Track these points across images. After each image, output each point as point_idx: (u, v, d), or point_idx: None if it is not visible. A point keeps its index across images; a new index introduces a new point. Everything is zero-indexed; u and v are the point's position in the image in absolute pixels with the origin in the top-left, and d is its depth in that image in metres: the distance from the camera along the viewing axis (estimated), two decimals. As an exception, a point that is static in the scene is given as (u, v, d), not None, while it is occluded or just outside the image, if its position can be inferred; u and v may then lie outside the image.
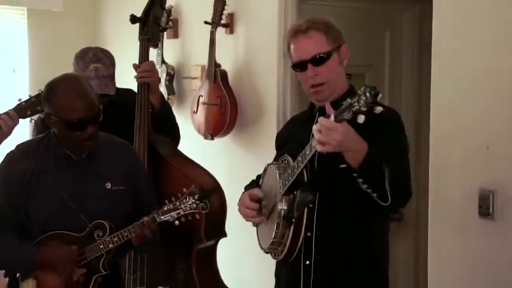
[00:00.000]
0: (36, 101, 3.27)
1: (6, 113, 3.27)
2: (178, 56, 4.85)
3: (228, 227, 3.86)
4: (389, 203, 2.62)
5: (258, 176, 3.15)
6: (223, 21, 4.39)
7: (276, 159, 3.01)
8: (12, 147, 3.18)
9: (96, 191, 3.06)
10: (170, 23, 4.28)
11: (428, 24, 3.67)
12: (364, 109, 2.32)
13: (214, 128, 4.42)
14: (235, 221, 3.83)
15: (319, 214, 2.77)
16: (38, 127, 3.68)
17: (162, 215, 2.96)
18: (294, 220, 2.73)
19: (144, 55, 3.94)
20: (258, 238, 2.98)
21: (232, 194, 3.83)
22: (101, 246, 2.98)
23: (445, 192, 3.51)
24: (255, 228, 3.04)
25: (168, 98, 4.66)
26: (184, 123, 4.37)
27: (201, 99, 4.46)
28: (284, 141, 3.06)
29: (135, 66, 3.89)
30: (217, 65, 4.41)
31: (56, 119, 2.97)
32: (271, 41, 4.27)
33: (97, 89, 3.64)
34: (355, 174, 2.56)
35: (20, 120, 3.34)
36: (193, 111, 4.51)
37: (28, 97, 3.34)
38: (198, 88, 4.54)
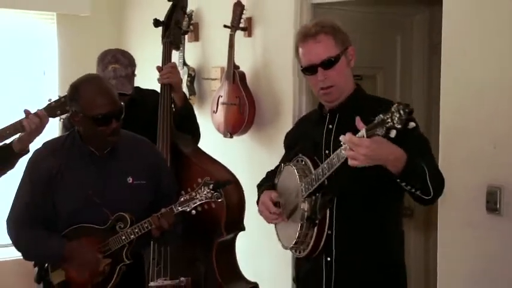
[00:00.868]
0: (65, 101, 3.28)
1: (36, 113, 3.28)
2: (199, 58, 4.85)
3: (245, 221, 3.86)
4: (432, 196, 2.62)
5: (268, 173, 3.13)
6: (241, 25, 4.39)
7: (287, 158, 2.97)
8: (39, 145, 3.20)
9: (118, 185, 3.08)
10: (191, 26, 4.29)
11: (438, 28, 3.66)
12: (399, 126, 2.30)
13: (233, 127, 4.42)
14: (252, 216, 3.84)
15: (338, 213, 2.75)
16: (66, 126, 3.70)
17: (179, 206, 2.97)
18: (317, 221, 2.71)
19: (166, 57, 3.95)
20: (279, 237, 2.95)
21: (250, 189, 3.82)
22: (123, 237, 3.00)
23: (454, 189, 3.49)
24: (272, 224, 3.03)
25: (189, 98, 4.65)
26: (205, 122, 4.37)
27: (221, 99, 4.46)
28: (294, 140, 3.03)
29: (159, 69, 3.90)
30: (236, 67, 4.41)
31: (81, 116, 2.99)
32: (287, 43, 4.26)
33: (115, 88, 3.66)
34: (398, 180, 2.54)
35: (50, 119, 3.35)
36: (213, 111, 4.51)
37: (57, 97, 3.35)
38: (218, 89, 4.54)
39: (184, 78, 4.69)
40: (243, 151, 4.54)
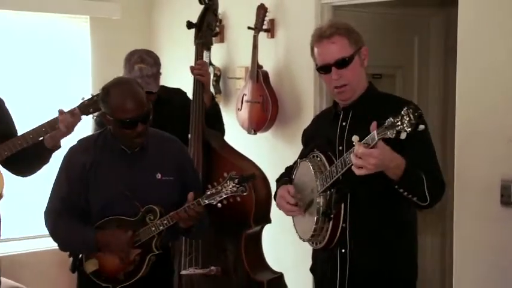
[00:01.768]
0: (97, 100, 3.27)
1: (69, 111, 3.30)
2: (224, 58, 4.85)
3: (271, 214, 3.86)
4: (428, 202, 2.62)
5: (287, 168, 3.12)
6: (265, 27, 4.39)
7: (304, 154, 2.96)
8: (74, 142, 3.21)
9: (147, 180, 3.08)
10: (217, 28, 4.28)
11: (454, 29, 3.63)
12: (409, 129, 2.29)
13: (257, 124, 4.42)
14: (277, 209, 3.83)
15: (352, 207, 2.74)
16: (99, 123, 3.71)
17: (205, 199, 2.97)
18: (332, 215, 2.71)
19: (198, 57, 3.96)
20: (296, 229, 2.95)
21: (273, 184, 3.82)
22: (153, 229, 3.00)
23: (470, 183, 3.48)
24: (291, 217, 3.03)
25: (215, 97, 4.65)
26: (230, 119, 4.37)
27: (245, 98, 4.46)
28: (311, 137, 3.03)
29: (192, 68, 3.90)
30: (260, 67, 4.40)
31: (110, 118, 3.00)
32: (308, 44, 4.23)
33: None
34: (396, 186, 2.55)
35: (83, 116, 3.36)
36: (238, 109, 4.51)
37: (90, 96, 3.36)
38: (242, 87, 4.54)
39: (211, 77, 4.69)
40: (266, 147, 4.54)
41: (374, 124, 2.42)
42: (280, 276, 3.89)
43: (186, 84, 3.99)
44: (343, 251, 2.79)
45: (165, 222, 3.00)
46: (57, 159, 3.29)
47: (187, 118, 3.84)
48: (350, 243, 2.77)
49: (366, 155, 2.41)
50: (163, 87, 3.94)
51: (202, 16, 4.01)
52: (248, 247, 3.76)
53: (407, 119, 2.28)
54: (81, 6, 5.11)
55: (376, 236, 2.77)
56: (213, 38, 4.17)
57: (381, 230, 2.77)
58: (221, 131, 4.04)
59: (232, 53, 4.81)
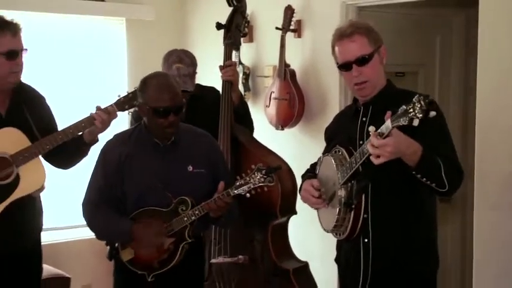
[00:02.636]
0: (132, 97, 3.31)
1: (106, 108, 3.32)
2: (253, 57, 4.85)
3: (297, 206, 3.86)
4: (447, 189, 2.60)
5: (312, 164, 3.12)
6: (292, 27, 4.38)
7: (327, 150, 2.97)
8: (111, 136, 3.24)
9: (179, 172, 3.10)
10: (246, 29, 4.29)
11: (475, 28, 3.61)
12: (420, 115, 2.30)
13: (284, 120, 4.42)
14: (302, 201, 3.84)
15: (373, 197, 2.74)
16: (135, 118, 3.74)
17: (235, 189, 2.98)
18: (353, 206, 2.71)
19: (227, 57, 3.97)
20: (320, 221, 2.96)
21: (299, 177, 3.82)
22: (185, 219, 3.02)
23: (489, 176, 3.46)
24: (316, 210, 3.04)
25: (244, 94, 4.68)
26: (258, 116, 4.38)
27: (273, 95, 4.46)
28: (333, 134, 3.03)
29: (221, 68, 3.92)
30: (287, 65, 4.40)
31: (146, 107, 3.03)
32: (334, 44, 4.25)
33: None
34: (413, 172, 2.54)
35: (119, 113, 3.38)
36: (266, 105, 4.52)
37: (126, 93, 3.38)
38: (270, 85, 4.54)
39: (240, 75, 4.70)
40: (292, 142, 4.54)
41: (388, 113, 2.44)
42: (305, 265, 3.89)
43: (216, 82, 4.00)
44: (366, 240, 2.78)
45: (197, 212, 3.01)
46: (94, 152, 3.32)
47: (219, 115, 3.86)
48: (372, 232, 2.76)
49: (382, 144, 2.43)
50: (198, 85, 3.97)
51: (231, 17, 4.03)
52: (275, 237, 3.77)
53: (419, 105, 2.29)
54: (118, 9, 5.15)
55: (398, 225, 2.76)
56: (242, 38, 4.18)
57: (402, 220, 2.76)
58: (250, 128, 4.05)
59: (260, 52, 4.81)
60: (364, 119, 2.82)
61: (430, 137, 2.56)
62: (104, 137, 3.33)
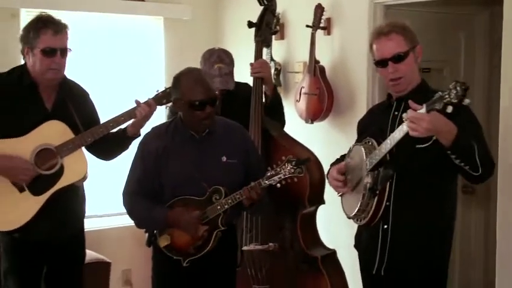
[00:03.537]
0: (170, 92, 3.32)
1: (146, 102, 3.34)
2: (284, 54, 4.84)
3: (325, 196, 3.84)
4: (480, 173, 2.58)
5: (342, 156, 3.12)
6: (322, 25, 4.35)
7: (358, 141, 2.97)
8: (149, 129, 3.25)
9: (214, 163, 3.11)
10: (278, 27, 4.28)
11: (499, 26, 3.55)
12: (455, 101, 2.30)
13: (314, 114, 4.40)
14: (330, 191, 3.82)
15: (397, 187, 2.75)
16: (172, 112, 3.76)
17: (266, 180, 2.98)
18: (378, 192, 2.70)
19: (258, 54, 3.96)
20: (343, 207, 2.96)
21: (328, 168, 3.81)
22: (218, 207, 3.03)
23: (512, 169, 3.41)
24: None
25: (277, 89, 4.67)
26: (289, 110, 4.37)
27: (303, 90, 4.44)
28: (365, 126, 3.04)
29: (252, 65, 3.91)
30: (317, 62, 4.38)
31: (181, 102, 3.04)
32: (362, 41, 4.21)
33: (219, 85, 3.72)
34: (448, 152, 2.52)
35: (157, 107, 3.40)
36: (297, 100, 4.50)
37: (164, 88, 3.40)
38: (301, 81, 4.52)
39: (272, 71, 4.69)
40: (322, 135, 4.52)
41: (411, 102, 2.49)
42: (333, 252, 3.88)
43: (248, 77, 4.00)
44: (385, 227, 2.80)
45: (230, 201, 3.02)
46: (133, 145, 3.34)
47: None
48: (392, 220, 2.77)
49: (418, 118, 2.42)
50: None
51: (262, 16, 4.02)
52: (303, 226, 3.76)
53: (455, 92, 2.30)
54: (156, 8, 5.18)
55: (418, 215, 2.76)
56: (272, 36, 4.17)
57: (423, 210, 2.76)
58: (282, 120, 4.04)
59: (291, 49, 4.79)
60: (396, 113, 2.83)
61: (462, 127, 2.53)
62: (143, 131, 3.36)
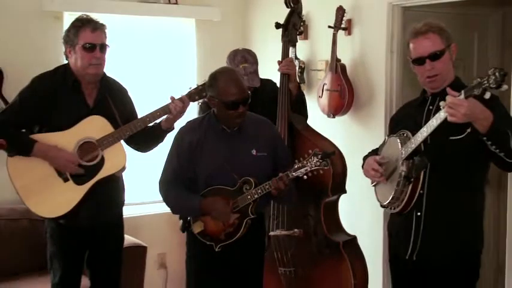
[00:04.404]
0: (202, 89, 3.33)
1: (180, 98, 3.34)
2: (307, 53, 4.81)
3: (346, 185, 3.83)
4: None
5: (373, 150, 3.08)
6: (343, 26, 4.32)
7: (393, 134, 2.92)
8: (183, 124, 3.26)
9: (244, 156, 3.11)
10: (302, 27, 4.25)
11: (510, 25, 3.49)
12: (494, 86, 2.26)
13: (335, 109, 4.38)
14: (352, 181, 3.80)
15: (431, 176, 2.71)
16: (203, 108, 3.76)
17: (293, 172, 2.97)
18: (412, 180, 2.66)
19: (285, 53, 3.95)
20: (377, 196, 2.92)
21: (349, 160, 3.79)
22: (249, 197, 3.02)
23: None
24: (370, 188, 3.00)
25: (301, 86, 4.65)
26: (312, 105, 4.36)
27: (325, 87, 4.42)
28: (399, 120, 2.99)
29: (279, 62, 3.90)
30: (338, 60, 4.35)
31: (216, 101, 3.03)
32: (381, 40, 4.20)
33: (247, 83, 3.70)
34: (484, 138, 2.47)
35: (190, 103, 3.40)
36: (319, 96, 4.48)
37: (196, 85, 3.40)
38: (323, 78, 4.50)
39: (297, 69, 4.67)
40: (343, 129, 4.50)
41: (449, 89, 2.45)
42: (354, 238, 3.86)
43: (275, 75, 3.99)
44: (418, 214, 2.76)
45: (259, 191, 3.01)
46: (169, 138, 3.35)
47: (277, 104, 3.84)
48: (426, 207, 2.73)
49: (457, 104, 2.38)
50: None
51: (288, 18, 4.00)
52: (326, 213, 3.74)
53: (493, 77, 2.26)
54: (189, 11, 5.18)
55: (451, 203, 2.72)
56: (298, 36, 4.15)
57: (455, 198, 2.72)
58: (305, 115, 4.03)
59: (314, 48, 4.77)
60: (431, 107, 2.79)
61: (496, 115, 2.48)
62: (178, 124, 3.36)
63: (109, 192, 3.37)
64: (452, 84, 2.74)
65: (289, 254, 3.78)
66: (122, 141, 3.33)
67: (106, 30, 3.30)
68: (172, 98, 3.34)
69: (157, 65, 5.19)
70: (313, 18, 4.75)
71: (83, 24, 3.22)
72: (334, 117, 4.41)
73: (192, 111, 3.93)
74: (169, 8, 5.08)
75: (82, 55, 3.21)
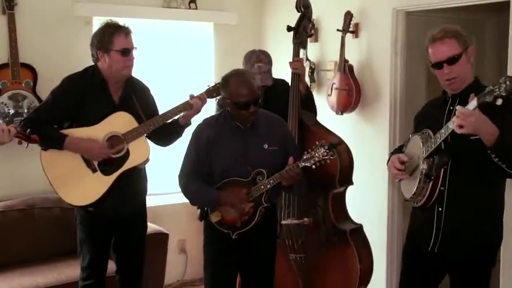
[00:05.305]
0: (219, 87, 3.32)
1: (198, 96, 3.35)
2: (318, 54, 4.80)
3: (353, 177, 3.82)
4: None
5: (400, 146, 3.05)
6: (350, 29, 4.31)
7: (416, 132, 2.89)
8: (200, 120, 3.26)
9: (257, 149, 3.11)
10: (312, 31, 4.23)
11: (506, 29, 3.46)
12: (504, 94, 2.22)
13: (343, 107, 4.37)
14: (358, 174, 3.79)
15: (451, 173, 2.67)
16: (220, 105, 3.76)
17: (302, 162, 2.97)
18: (432, 177, 2.64)
19: (296, 54, 3.94)
20: (402, 190, 2.90)
21: (355, 153, 3.78)
22: (262, 187, 3.03)
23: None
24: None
25: (310, 85, 4.65)
26: (322, 103, 4.36)
27: (334, 86, 4.41)
28: (421, 119, 2.95)
29: (290, 63, 3.89)
30: (346, 61, 4.34)
31: (229, 101, 3.03)
32: (386, 43, 4.18)
33: (260, 82, 3.72)
34: (489, 151, 2.45)
35: (208, 100, 3.41)
36: (328, 94, 4.47)
37: (213, 83, 3.40)
38: (332, 78, 4.49)
39: (307, 70, 4.66)
40: (350, 125, 4.48)
41: (472, 95, 2.40)
42: (360, 227, 3.86)
43: (286, 75, 3.98)
44: (439, 209, 2.72)
45: (271, 181, 3.01)
46: (188, 133, 3.35)
47: (288, 102, 3.83)
48: (447, 203, 2.69)
49: (467, 114, 2.36)
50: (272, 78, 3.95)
51: (299, 21, 3.99)
52: (334, 203, 3.74)
53: (504, 85, 2.23)
54: (207, 15, 5.18)
55: (471, 199, 2.68)
56: (308, 38, 4.14)
57: (475, 195, 2.68)
58: (314, 112, 4.02)
59: (324, 50, 4.75)
60: (451, 107, 2.74)
61: (506, 122, 2.46)
62: (195, 121, 3.37)
63: (133, 183, 3.39)
64: (471, 86, 2.71)
65: (299, 241, 3.78)
66: (145, 136, 3.34)
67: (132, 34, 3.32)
68: (192, 96, 3.35)
69: (178, 65, 5.20)
70: (323, 22, 4.74)
71: (116, 30, 3.23)
72: (342, 114, 4.40)
73: (209, 109, 3.94)
74: (189, 12, 5.09)
75: (117, 59, 3.22)
